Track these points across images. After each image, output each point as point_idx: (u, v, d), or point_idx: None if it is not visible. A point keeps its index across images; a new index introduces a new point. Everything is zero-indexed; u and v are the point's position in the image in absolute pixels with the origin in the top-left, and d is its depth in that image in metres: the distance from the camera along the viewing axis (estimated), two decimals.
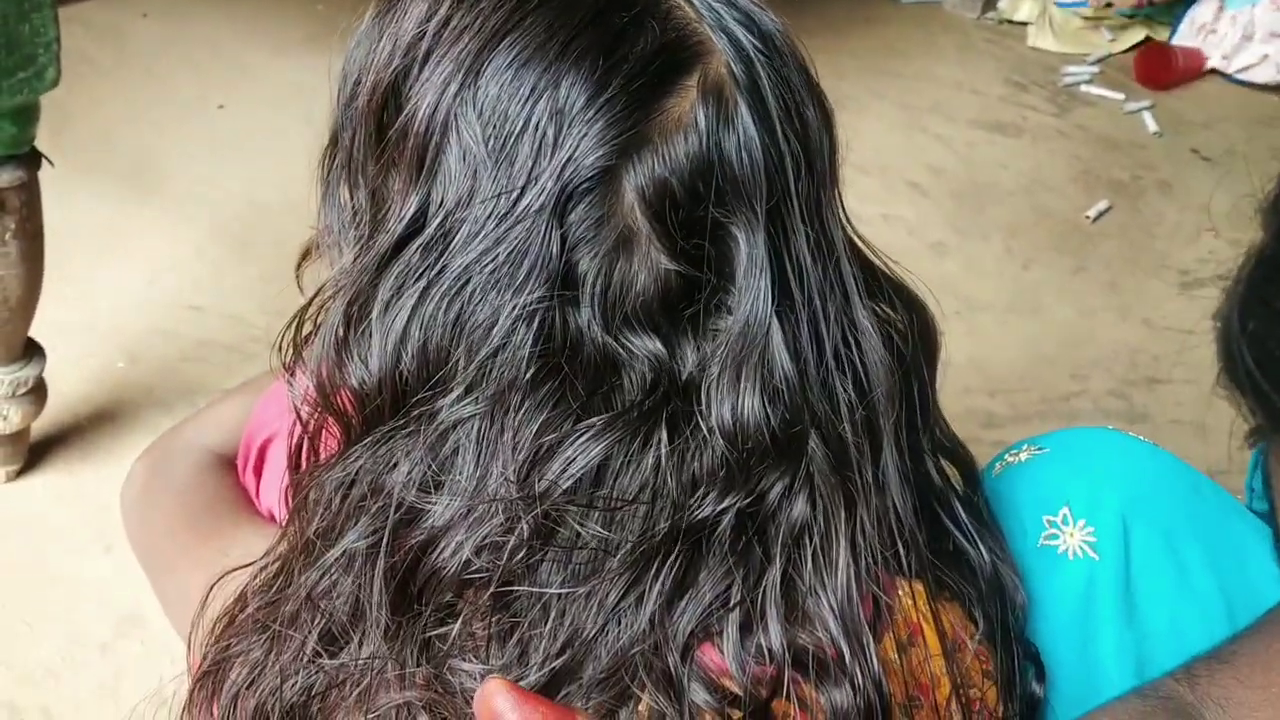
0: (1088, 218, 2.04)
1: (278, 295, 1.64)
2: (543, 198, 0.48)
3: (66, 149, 1.73)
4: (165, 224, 1.68)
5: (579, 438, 0.49)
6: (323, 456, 0.55)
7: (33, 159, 1.10)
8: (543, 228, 0.48)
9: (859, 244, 0.60)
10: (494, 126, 0.49)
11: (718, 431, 0.50)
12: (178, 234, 1.66)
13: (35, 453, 1.32)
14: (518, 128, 0.48)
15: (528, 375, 0.48)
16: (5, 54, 0.99)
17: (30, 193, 1.10)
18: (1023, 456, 0.69)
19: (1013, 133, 2.28)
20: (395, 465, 0.50)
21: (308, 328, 0.54)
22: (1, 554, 1.23)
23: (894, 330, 0.59)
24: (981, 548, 0.62)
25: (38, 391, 1.24)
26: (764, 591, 0.50)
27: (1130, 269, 1.93)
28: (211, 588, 0.56)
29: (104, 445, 1.36)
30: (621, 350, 0.50)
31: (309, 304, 0.54)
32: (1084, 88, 2.45)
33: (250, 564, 0.55)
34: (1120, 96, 2.42)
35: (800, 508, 0.51)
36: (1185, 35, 2.61)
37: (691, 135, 0.49)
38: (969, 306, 1.80)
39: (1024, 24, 2.70)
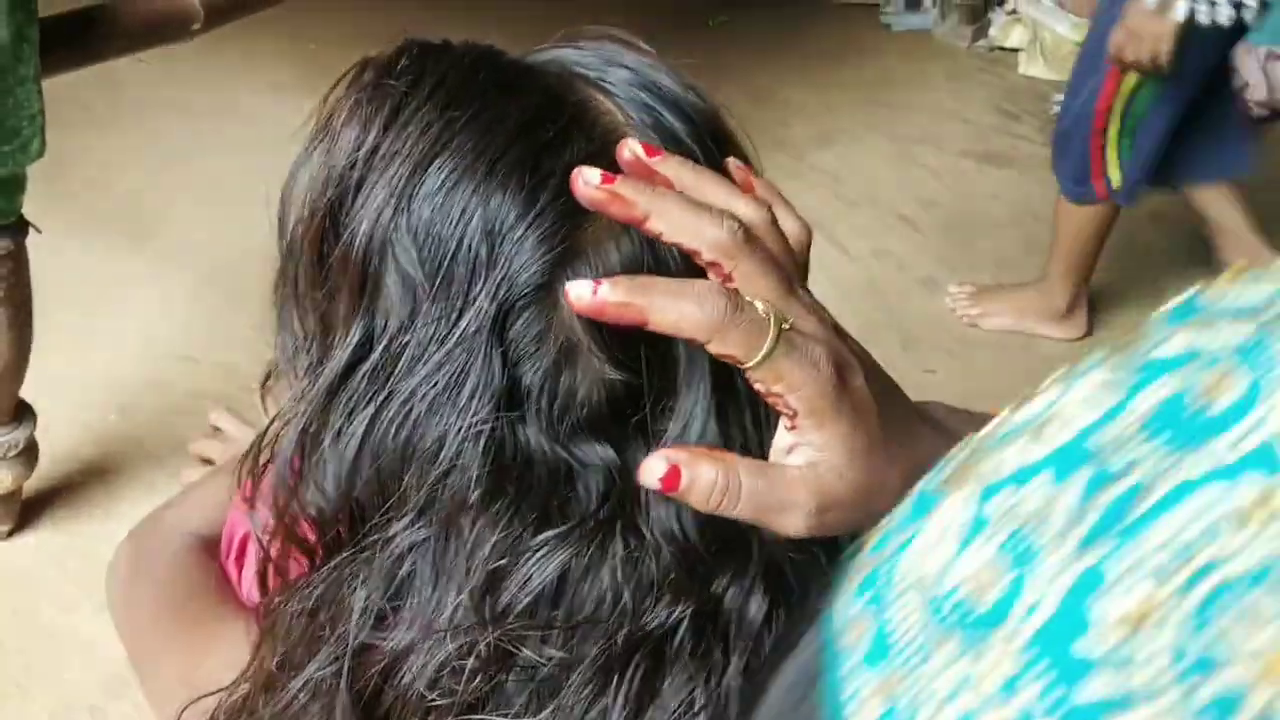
0: None
1: (270, 345, 1.63)
2: (481, 318, 0.49)
3: (59, 196, 1.74)
4: (158, 272, 1.69)
5: (535, 554, 0.49)
6: (291, 575, 0.55)
7: (20, 228, 1.11)
8: (483, 347, 0.49)
9: None
10: (429, 250, 0.50)
11: (664, 536, 0.51)
12: (171, 282, 1.67)
13: (27, 509, 1.33)
14: (451, 249, 0.49)
15: (478, 494, 0.49)
16: None
17: (18, 261, 1.11)
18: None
19: (1003, 163, 2.29)
20: (353, 591, 0.50)
21: (265, 455, 0.55)
22: None
23: None
24: None
25: (29, 453, 1.25)
26: (726, 689, 0.51)
27: (1123, 300, 1.94)
28: (184, 710, 0.57)
29: (96, 501, 1.37)
30: (572, 460, 0.51)
31: (265, 431, 0.55)
32: None
33: (220, 690, 0.56)
34: None
35: (756, 604, 0.52)
36: None
37: (623, 241, 0.50)
38: (963, 344, 1.80)
39: (1015, 50, 2.70)
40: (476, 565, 0.49)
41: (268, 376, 0.63)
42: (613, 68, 0.53)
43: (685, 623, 0.50)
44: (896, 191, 2.14)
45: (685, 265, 0.50)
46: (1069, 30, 2.67)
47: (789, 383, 0.46)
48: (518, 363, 0.49)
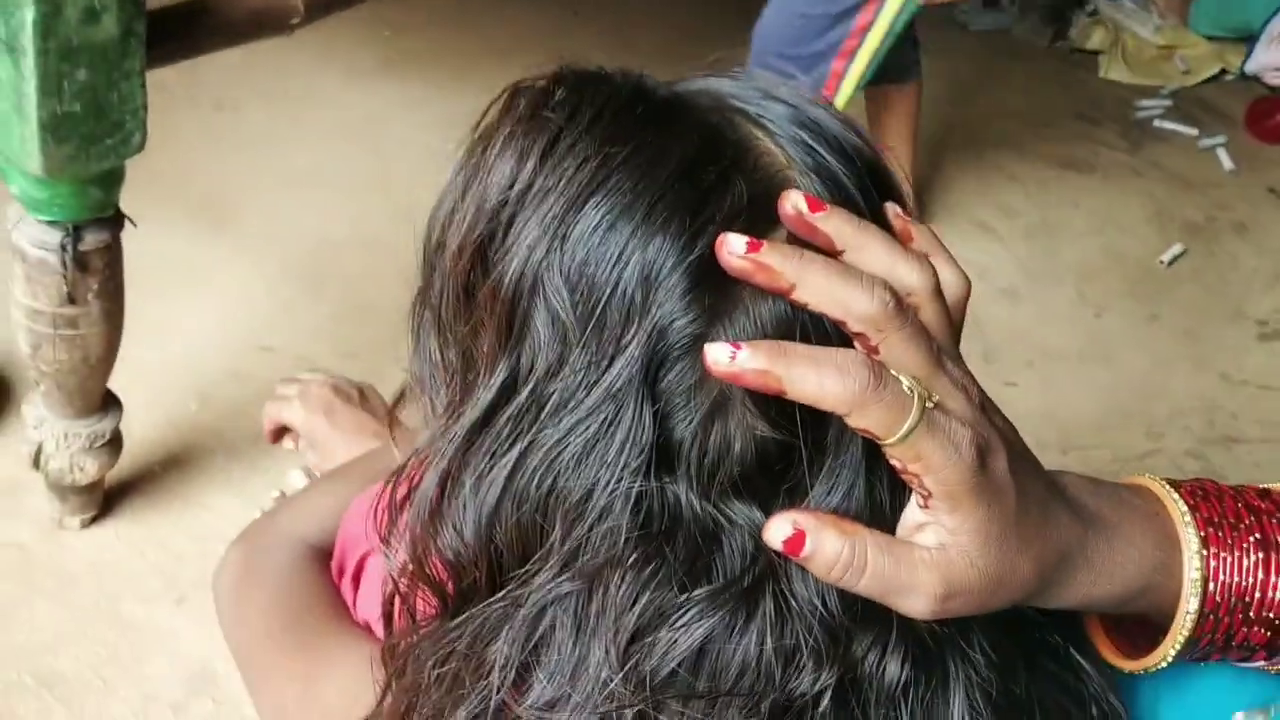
0: (1161, 262, 2.00)
1: (348, 337, 1.64)
2: (632, 367, 0.47)
3: (140, 181, 1.73)
4: (237, 260, 1.68)
5: (681, 616, 0.48)
6: (418, 615, 0.54)
7: (117, 221, 1.10)
8: (634, 399, 0.47)
9: None
10: (581, 292, 0.48)
11: (814, 600, 0.49)
12: (250, 270, 1.67)
13: (108, 498, 1.33)
14: (605, 294, 0.47)
15: (626, 551, 0.47)
16: (94, 122, 0.99)
17: (114, 254, 1.11)
18: None
19: (1085, 169, 2.24)
20: (493, 643, 0.49)
21: (402, 490, 0.54)
22: (75, 602, 1.24)
23: None
24: (1087, 674, 0.60)
25: (114, 443, 1.24)
26: None
27: (1206, 317, 1.89)
28: None
29: (175, 491, 1.36)
30: (722, 519, 0.48)
31: (404, 466, 0.54)
32: (1157, 122, 2.40)
33: None
34: (1194, 132, 2.38)
35: (894, 668, 0.50)
36: (1260, 56, 2.55)
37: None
38: (1042, 356, 1.77)
39: (1095, 53, 2.65)
40: (624, 623, 0.47)
41: (398, 401, 0.62)
42: (770, 102, 0.51)
43: (829, 689, 0.48)
44: (976, 197, 2.11)
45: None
46: (1151, 34, 2.61)
47: (927, 464, 0.44)
48: (668, 416, 0.47)
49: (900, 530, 0.47)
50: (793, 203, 0.45)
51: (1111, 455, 1.61)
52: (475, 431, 0.50)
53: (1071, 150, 2.29)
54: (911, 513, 0.47)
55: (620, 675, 0.47)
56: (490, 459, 0.49)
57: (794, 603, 0.48)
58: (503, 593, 0.50)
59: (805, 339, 0.46)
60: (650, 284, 0.46)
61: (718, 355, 0.42)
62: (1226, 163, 2.29)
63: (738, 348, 0.42)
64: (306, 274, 1.67)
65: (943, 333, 0.47)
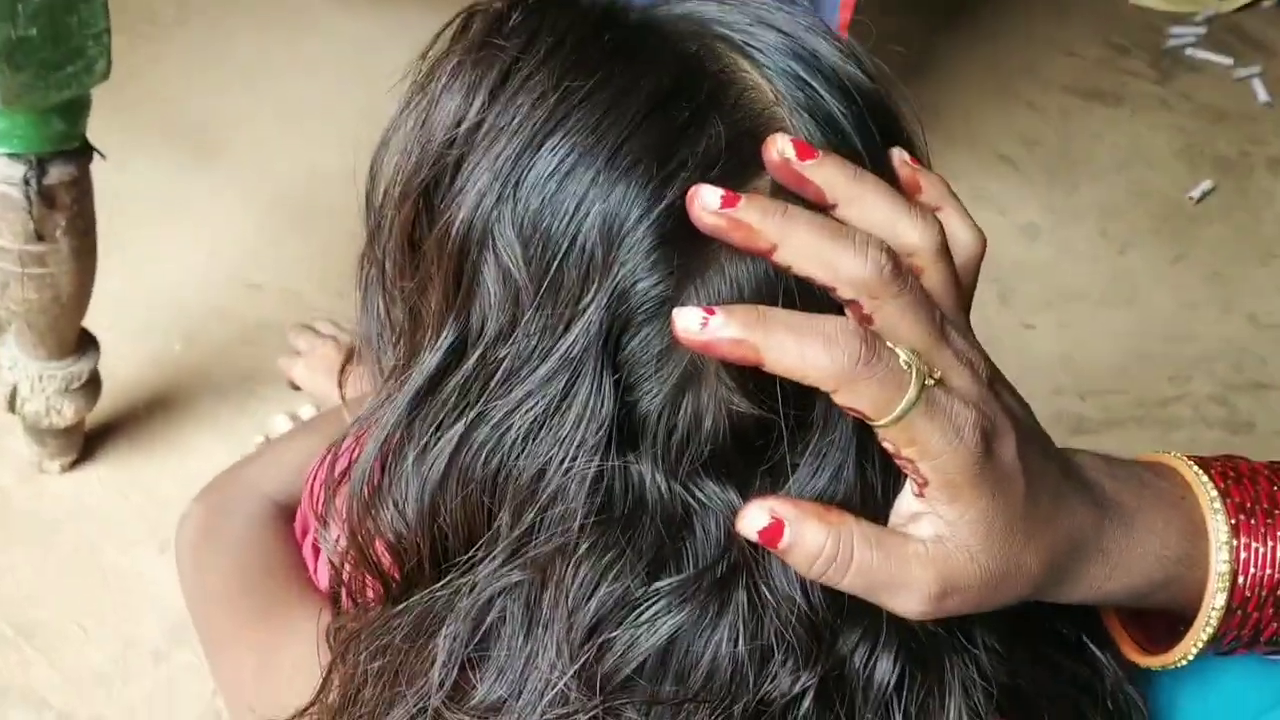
0: (1190, 198, 1.92)
1: (337, 273, 1.58)
2: (590, 333, 0.41)
3: (125, 109, 1.68)
4: (224, 193, 1.63)
5: (645, 610, 0.43)
6: (367, 596, 0.49)
7: (84, 153, 1.04)
8: (592, 367, 0.41)
9: None
10: (536, 247, 0.42)
11: (793, 593, 0.44)
12: (237, 204, 1.61)
13: (90, 441, 1.29)
14: (562, 248, 0.42)
15: (582, 539, 0.42)
16: (52, 47, 0.93)
17: (81, 188, 1.05)
18: None
19: (1111, 101, 2.15)
20: (434, 635, 0.44)
21: (343, 463, 0.49)
22: (56, 549, 1.21)
23: None
24: (1102, 666, 0.56)
25: (92, 384, 1.20)
26: None
27: (1235, 258, 1.82)
28: None
29: (159, 434, 1.32)
30: (693, 502, 0.44)
31: (342, 439, 0.49)
32: (1189, 51, 2.30)
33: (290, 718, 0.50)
34: (1229, 61, 2.27)
35: (884, 666, 0.45)
36: None
37: None
38: (1061, 296, 1.70)
39: None
40: (579, 617, 0.42)
41: (347, 360, 0.57)
42: (761, 29, 0.44)
43: (810, 691, 0.44)
44: (996, 128, 2.02)
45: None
46: None
47: (924, 449, 0.38)
48: (632, 387, 0.42)
49: (893, 520, 0.42)
50: (779, 148, 0.39)
51: (1134, 400, 1.55)
52: (420, 399, 0.45)
53: (1097, 80, 2.19)
54: (905, 501, 0.42)
55: (574, 676, 0.42)
56: (435, 431, 0.45)
57: (771, 596, 0.44)
58: (445, 580, 0.45)
59: (790, 305, 0.41)
60: (612, 238, 0.41)
61: (688, 321, 0.37)
62: (1262, 94, 2.19)
63: (710, 313, 0.37)
64: (296, 208, 1.61)
65: (948, 299, 0.41)
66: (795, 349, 0.37)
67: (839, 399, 0.38)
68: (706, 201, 0.38)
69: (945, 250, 0.42)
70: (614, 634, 0.42)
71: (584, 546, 0.42)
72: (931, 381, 0.38)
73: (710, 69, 0.44)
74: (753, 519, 0.40)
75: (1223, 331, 1.68)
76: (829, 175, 0.40)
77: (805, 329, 0.37)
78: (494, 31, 0.45)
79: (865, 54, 0.47)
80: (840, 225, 0.39)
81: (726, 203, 0.38)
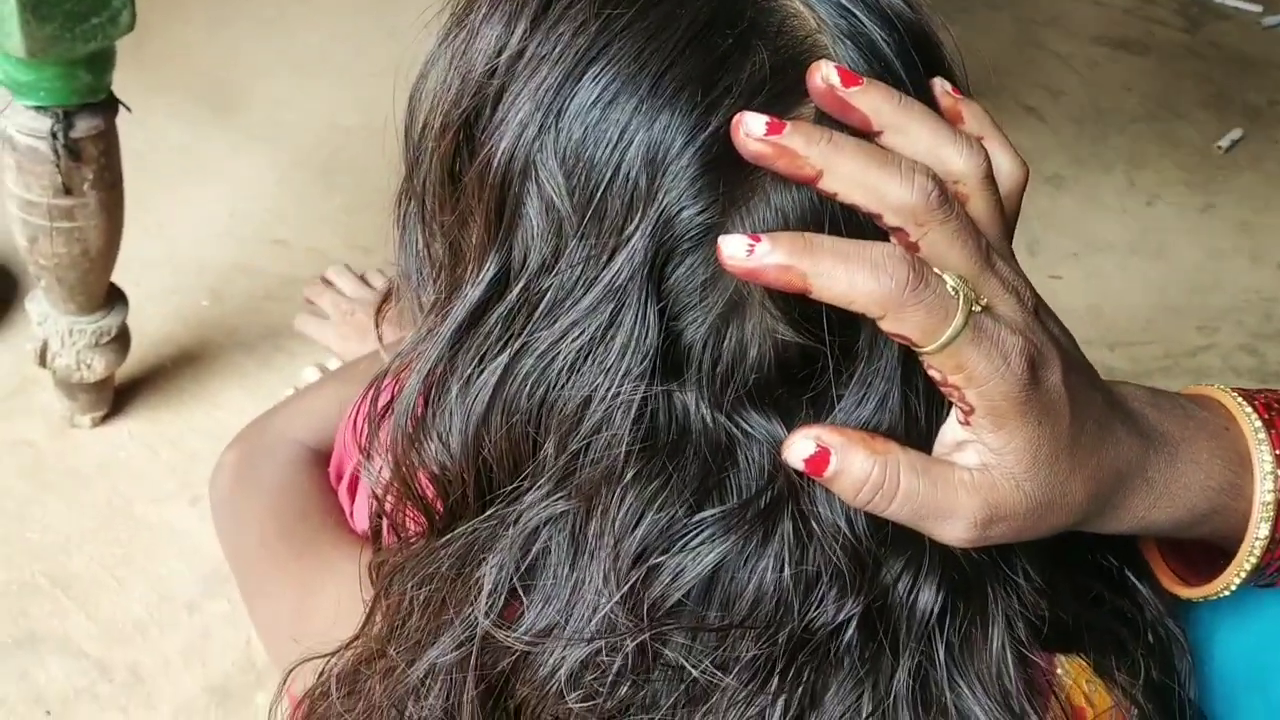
0: (1219, 148, 1.89)
1: (361, 229, 1.58)
2: (635, 262, 0.41)
3: (145, 65, 1.68)
4: (246, 149, 1.62)
5: (690, 539, 0.43)
6: (409, 532, 0.49)
7: (110, 106, 1.04)
8: (637, 296, 0.41)
9: None
10: (579, 177, 0.42)
11: (839, 521, 0.44)
12: (259, 160, 1.61)
13: (119, 396, 1.30)
14: (605, 177, 0.41)
15: (627, 467, 0.42)
16: (76, 0, 0.93)
17: (108, 141, 1.05)
18: None
19: (1138, 50, 2.12)
20: (480, 565, 0.44)
21: (385, 397, 0.49)
22: (88, 501, 1.22)
23: None
24: (1143, 598, 0.56)
25: (121, 339, 1.21)
26: (895, 700, 0.45)
27: (1264, 207, 1.80)
28: (289, 672, 0.52)
29: (189, 389, 1.33)
30: (737, 431, 0.43)
31: (385, 370, 0.49)
32: None
33: (329, 654, 0.50)
34: (1258, 9, 2.24)
35: (927, 596, 0.45)
36: None
37: None
38: (1088, 247, 1.69)
39: None
40: (625, 545, 0.42)
41: (385, 299, 0.57)
42: None
43: (854, 620, 0.44)
44: (1022, 79, 2.00)
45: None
46: None
47: (970, 375, 0.38)
48: (677, 316, 0.41)
49: (937, 448, 0.42)
50: (823, 75, 0.39)
51: (1162, 351, 1.54)
52: (463, 332, 0.45)
53: (1125, 29, 2.17)
54: (951, 429, 0.41)
55: (620, 602, 0.42)
56: (479, 363, 0.44)
57: (816, 525, 0.44)
58: (490, 511, 0.45)
59: (835, 232, 0.40)
60: (656, 166, 0.41)
61: (733, 249, 0.37)
62: None
63: (756, 240, 0.37)
64: (318, 163, 1.61)
65: (994, 227, 0.41)
66: (843, 276, 0.37)
67: (885, 325, 0.38)
68: (751, 128, 0.37)
69: (990, 178, 0.41)
70: (660, 560, 0.42)
71: (629, 475, 0.42)
72: (979, 308, 0.38)
73: None
74: (799, 448, 0.40)
75: (1252, 282, 1.66)
76: (873, 101, 0.40)
77: (852, 255, 0.37)
78: None
79: None
80: (886, 152, 0.39)
81: (772, 129, 0.37)
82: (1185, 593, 0.51)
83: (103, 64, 1.01)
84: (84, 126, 1.02)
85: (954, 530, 0.40)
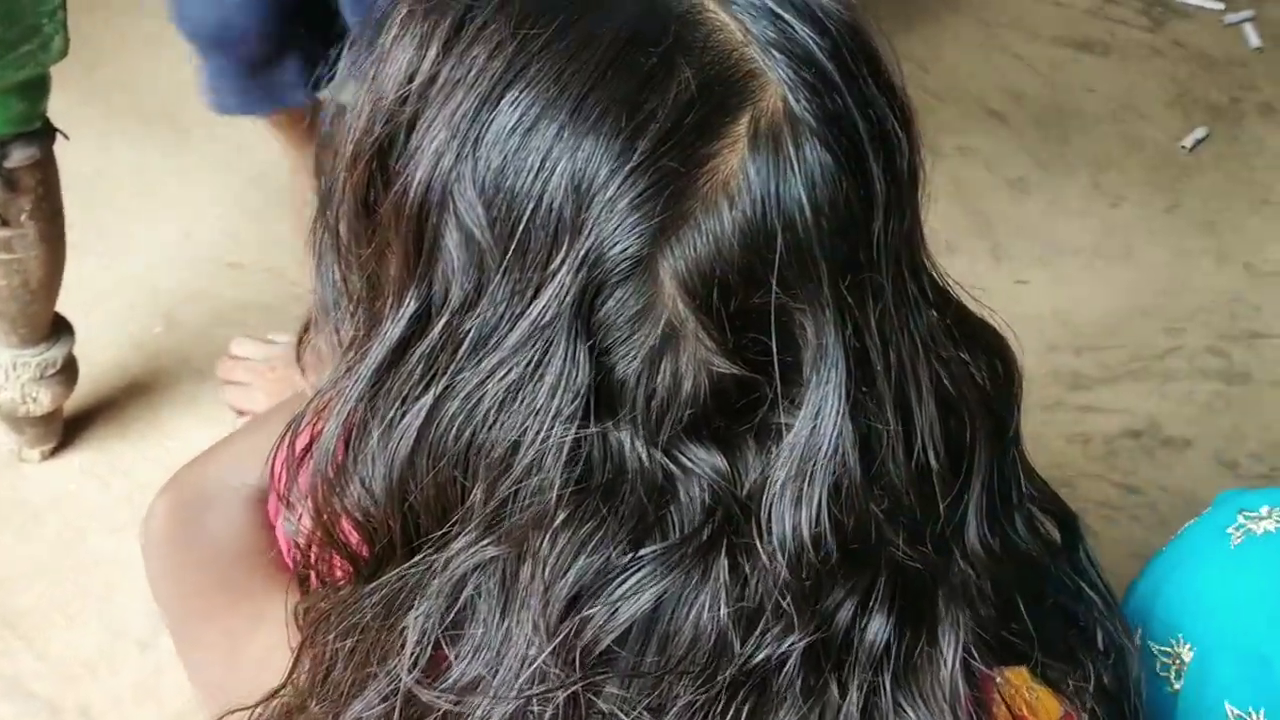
0: (1183, 147, 1.89)
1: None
2: (563, 297, 0.40)
3: (96, 91, 1.65)
4: (200, 171, 1.60)
5: (626, 580, 0.41)
6: (335, 576, 0.48)
7: (46, 134, 1.02)
8: (565, 333, 0.40)
9: (940, 280, 0.52)
10: (500, 207, 0.40)
11: (780, 553, 0.42)
12: (214, 181, 1.59)
13: (69, 427, 1.27)
14: (528, 208, 0.40)
15: (559, 510, 0.41)
16: (5, 27, 0.91)
17: (46, 170, 1.03)
18: (1268, 525, 0.59)
19: (1100, 50, 2.11)
20: (406, 614, 0.43)
21: (303, 439, 0.47)
22: (38, 536, 1.19)
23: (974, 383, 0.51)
24: (1102, 617, 0.55)
25: (68, 370, 1.18)
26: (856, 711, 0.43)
27: (1229, 206, 1.79)
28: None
29: (141, 418, 1.31)
30: (675, 468, 0.42)
31: (301, 414, 0.47)
32: None
33: (255, 705, 0.49)
34: (1220, 6, 2.24)
35: (877, 625, 0.44)
36: None
37: (742, 200, 0.40)
38: (1053, 251, 1.68)
39: None
40: (556, 591, 0.41)
41: (305, 330, 0.55)
42: None
43: (797, 653, 0.43)
44: (984, 82, 1.99)
45: (824, 209, 0.40)
46: None
47: None
48: (608, 352, 0.40)
49: None
50: None
51: (1130, 354, 1.53)
52: (383, 372, 0.43)
53: (1087, 29, 2.16)
54: None
55: (552, 653, 0.41)
56: (401, 405, 0.43)
57: (758, 558, 0.42)
58: (418, 558, 0.44)
59: (783, 251, 0.39)
60: (582, 196, 0.39)
61: None
62: (1254, 39, 2.16)
63: None
64: (274, 184, 1.58)
65: None
66: None
67: None
68: None
69: None
70: (593, 609, 0.41)
71: (561, 517, 0.40)
72: None
73: (675, 10, 0.41)
74: None
75: (1218, 282, 1.66)
76: None
77: None
78: None
79: None
80: None
81: None
82: None
83: (36, 92, 0.98)
84: (19, 156, 1.00)
85: None
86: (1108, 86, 2.02)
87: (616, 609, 0.41)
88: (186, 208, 1.54)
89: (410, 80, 0.43)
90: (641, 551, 0.42)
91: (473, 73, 0.41)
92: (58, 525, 1.21)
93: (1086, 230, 1.72)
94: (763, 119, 0.40)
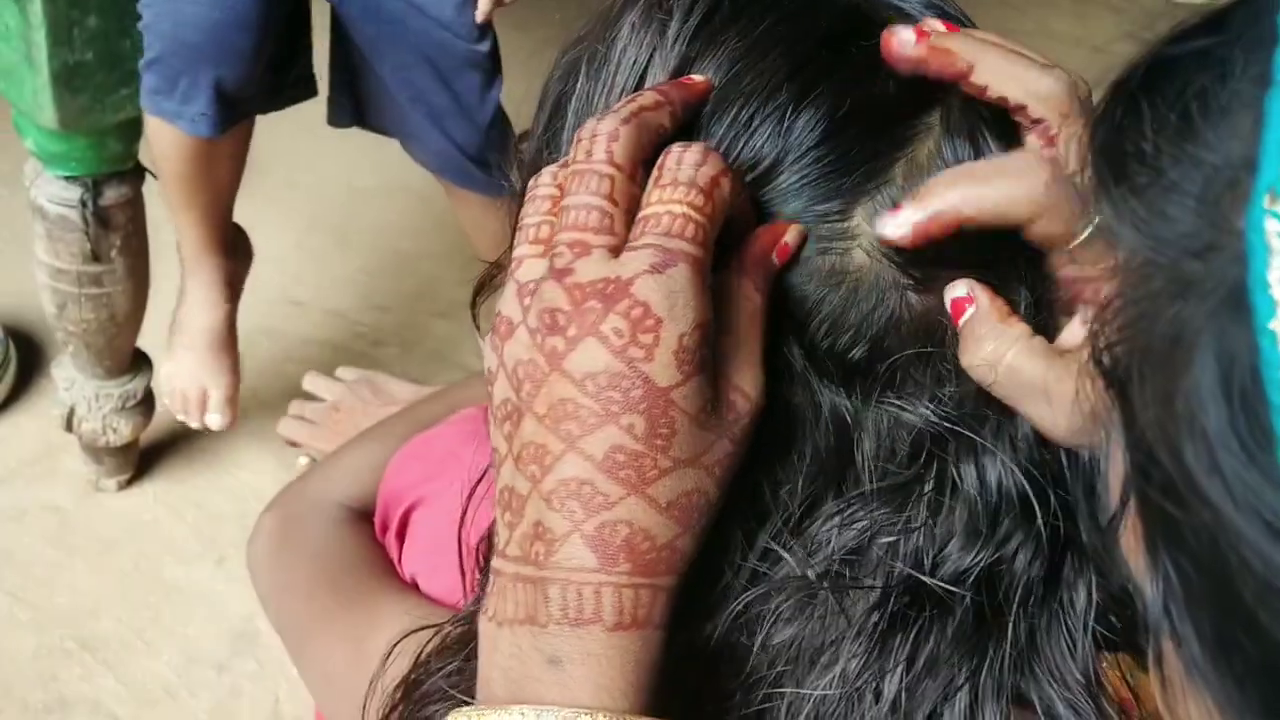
0: None
1: (378, 290, 1.59)
2: None
3: None
4: (264, 212, 1.64)
5: (832, 518, 0.44)
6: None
7: (137, 174, 1.07)
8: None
9: None
10: None
11: (969, 493, 0.45)
12: (276, 222, 1.63)
13: (144, 459, 1.31)
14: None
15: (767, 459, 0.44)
16: (107, 71, 0.96)
17: (135, 208, 1.08)
18: None
19: None
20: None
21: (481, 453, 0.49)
22: (115, 564, 1.22)
23: None
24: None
25: (146, 403, 1.22)
26: (1001, 663, 0.46)
27: None
28: (394, 646, 0.52)
29: (211, 450, 1.34)
30: (881, 414, 0.45)
31: (486, 469, 0.49)
32: None
33: (430, 625, 0.51)
34: None
35: (1037, 570, 0.47)
36: None
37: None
38: None
39: None
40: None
41: (479, 289, 0.52)
42: None
43: (970, 586, 0.46)
44: None
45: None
46: None
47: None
48: (809, 310, 0.44)
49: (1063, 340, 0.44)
50: (900, 38, 0.41)
51: None
52: None
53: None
54: (1071, 332, 0.43)
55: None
56: None
57: (956, 495, 0.45)
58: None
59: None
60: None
61: (890, 226, 0.40)
62: None
63: (899, 211, 0.40)
64: (334, 225, 1.63)
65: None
66: (991, 194, 0.39)
67: (1037, 229, 0.39)
68: (904, 38, 0.40)
69: (1075, 92, 0.43)
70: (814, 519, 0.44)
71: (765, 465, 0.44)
72: None
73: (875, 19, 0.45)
74: (959, 288, 0.42)
75: None
76: (954, 44, 0.42)
77: (996, 170, 0.40)
78: (655, 3, 0.46)
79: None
80: (1024, 49, 0.41)
81: (920, 35, 0.40)
82: None
83: (131, 133, 1.03)
84: (112, 195, 1.05)
85: (1055, 418, 0.41)
86: None
87: (828, 539, 0.44)
88: (254, 248, 1.59)
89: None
90: (846, 495, 0.45)
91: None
92: (134, 554, 1.24)
93: None
94: (954, 111, 0.43)
